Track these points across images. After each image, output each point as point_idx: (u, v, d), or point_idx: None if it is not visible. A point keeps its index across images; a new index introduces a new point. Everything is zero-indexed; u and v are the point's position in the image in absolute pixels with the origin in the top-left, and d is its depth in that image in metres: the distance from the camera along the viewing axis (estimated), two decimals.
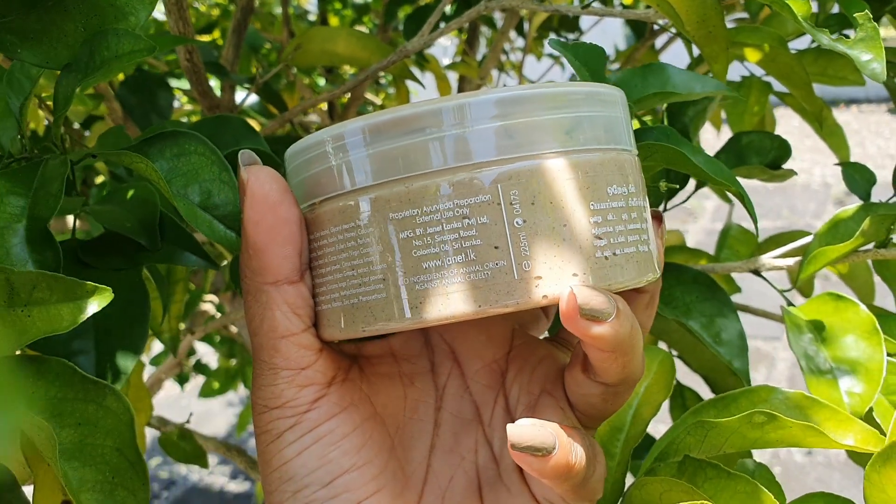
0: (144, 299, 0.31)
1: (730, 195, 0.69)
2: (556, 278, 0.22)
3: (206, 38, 0.96)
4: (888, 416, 0.33)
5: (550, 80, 0.43)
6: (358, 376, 0.27)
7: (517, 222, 0.22)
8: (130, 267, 0.31)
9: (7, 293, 0.23)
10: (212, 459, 1.96)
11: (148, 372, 1.13)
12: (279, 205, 0.24)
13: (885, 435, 0.30)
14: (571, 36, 0.93)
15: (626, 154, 0.24)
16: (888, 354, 0.34)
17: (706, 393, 0.46)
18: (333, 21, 1.04)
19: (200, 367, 1.22)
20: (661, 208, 0.44)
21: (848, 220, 0.40)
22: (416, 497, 0.26)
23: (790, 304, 0.40)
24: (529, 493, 0.26)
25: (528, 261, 0.22)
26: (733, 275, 0.54)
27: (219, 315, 0.90)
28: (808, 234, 0.46)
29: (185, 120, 0.80)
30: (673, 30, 0.57)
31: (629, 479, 0.41)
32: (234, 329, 0.90)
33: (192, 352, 1.13)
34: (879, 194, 0.47)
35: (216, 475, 1.97)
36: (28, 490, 0.30)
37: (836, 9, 0.47)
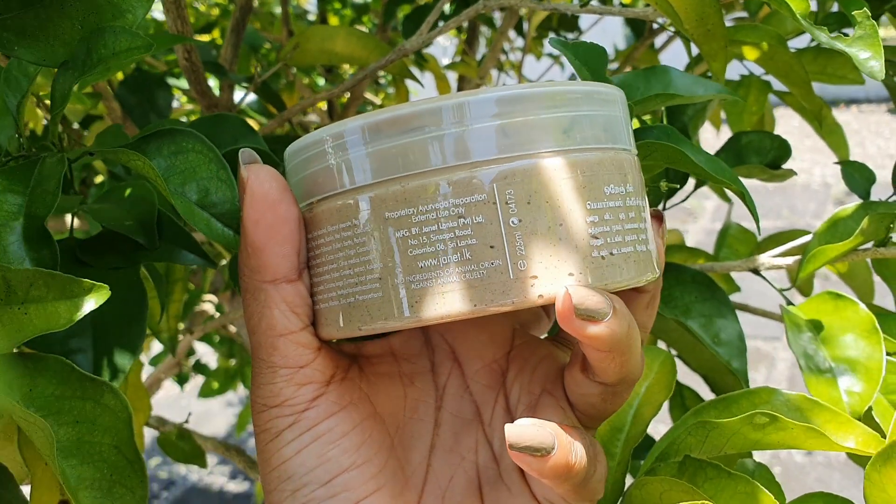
0: (142, 298, 0.31)
1: (729, 195, 0.69)
2: (552, 278, 0.22)
3: (205, 37, 0.96)
4: (888, 415, 0.33)
5: (550, 80, 0.43)
6: (357, 375, 0.27)
7: (513, 221, 0.22)
8: (128, 265, 0.31)
9: (4, 291, 0.23)
10: (211, 459, 1.96)
11: (147, 372, 1.12)
12: (279, 203, 0.24)
13: (884, 435, 0.30)
14: (571, 35, 0.93)
15: (625, 153, 0.24)
16: (887, 353, 0.34)
17: (706, 392, 0.46)
18: (333, 20, 1.04)
19: (200, 367, 1.22)
20: (660, 207, 0.44)
21: (847, 218, 0.39)
22: (416, 496, 0.26)
23: (789, 303, 0.40)
24: (530, 493, 0.26)
25: (524, 260, 0.22)
26: (733, 274, 0.54)
27: (218, 315, 0.89)
28: (807, 233, 0.46)
29: (184, 119, 0.80)
30: (672, 28, 0.57)
31: (629, 480, 0.41)
32: (233, 329, 0.90)
33: (191, 352, 1.13)
34: (879, 193, 0.46)
35: (216, 475, 1.97)
36: (26, 489, 0.30)
37: (835, 7, 0.47)
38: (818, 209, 3.10)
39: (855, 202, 0.41)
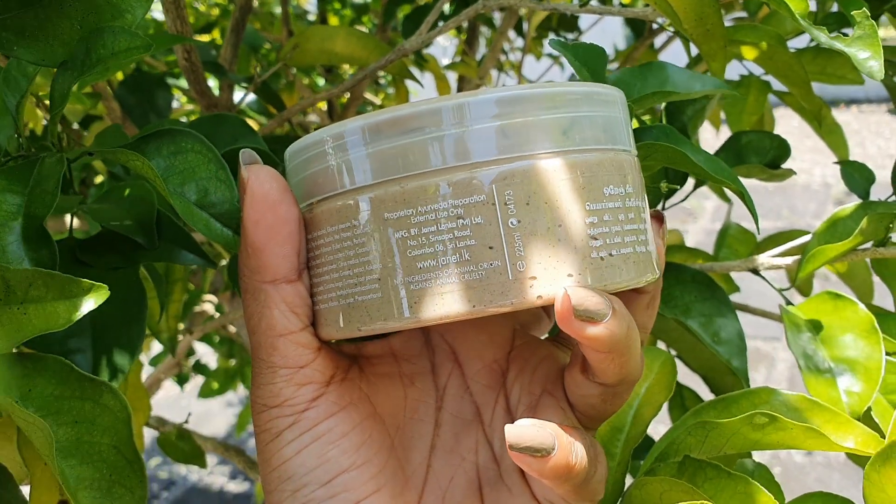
0: (142, 298, 0.31)
1: (729, 195, 0.69)
2: (551, 279, 0.22)
3: (205, 37, 0.96)
4: (887, 415, 0.33)
5: (550, 80, 0.43)
6: (357, 376, 0.27)
7: (512, 222, 0.22)
8: (127, 265, 0.31)
9: (3, 291, 0.23)
10: (211, 459, 1.96)
11: (147, 372, 1.12)
12: (279, 204, 0.24)
13: (883, 435, 0.30)
14: (571, 36, 0.93)
15: (625, 154, 0.24)
16: (887, 353, 0.34)
17: (705, 393, 0.46)
18: (333, 21, 1.04)
19: (200, 368, 1.22)
20: (659, 207, 0.44)
21: (846, 218, 0.39)
22: (416, 497, 0.26)
23: (789, 303, 0.40)
24: (530, 493, 0.26)
25: (523, 261, 0.22)
26: (732, 274, 0.54)
27: (218, 315, 0.89)
28: (806, 233, 0.46)
29: (184, 119, 0.80)
30: (671, 28, 0.57)
31: (629, 480, 0.41)
32: (232, 329, 0.90)
33: (191, 352, 1.13)
34: (879, 193, 0.46)
35: (216, 475, 1.97)
36: (25, 490, 0.30)
37: (835, 7, 0.47)
38: (818, 209, 3.10)
39: (855, 202, 0.41)
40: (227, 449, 0.64)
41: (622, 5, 0.89)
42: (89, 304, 0.23)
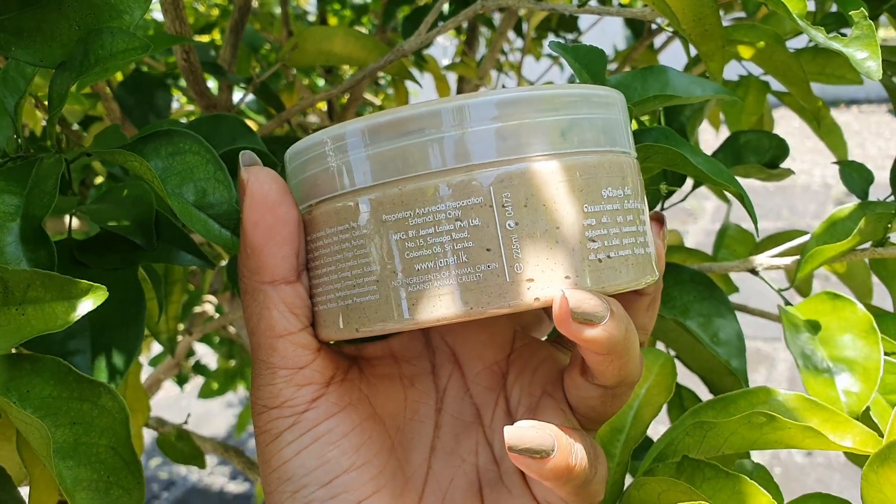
0: (140, 299, 0.31)
1: (728, 195, 0.69)
2: (549, 281, 0.22)
3: (205, 38, 0.96)
4: (885, 415, 0.33)
5: (549, 82, 0.42)
6: (357, 377, 0.27)
7: (509, 224, 0.22)
8: (126, 266, 0.31)
9: (1, 292, 0.23)
10: (211, 460, 1.96)
11: (147, 372, 1.12)
12: (278, 205, 0.24)
13: (882, 435, 0.30)
14: (570, 36, 0.93)
15: (624, 156, 0.24)
16: (885, 353, 0.34)
17: (704, 393, 0.46)
18: (332, 21, 1.04)
19: (199, 368, 1.22)
20: (658, 208, 0.44)
21: (845, 218, 0.40)
22: (416, 498, 0.26)
23: (788, 303, 0.40)
24: (531, 494, 0.26)
25: (520, 263, 0.22)
26: (731, 275, 0.54)
27: (217, 316, 0.89)
28: (805, 233, 0.46)
29: (183, 120, 0.80)
30: (671, 29, 0.57)
31: (628, 480, 0.41)
32: (232, 330, 0.90)
33: (191, 353, 1.13)
34: (878, 194, 0.46)
35: (216, 476, 1.97)
36: (24, 490, 0.30)
37: (834, 8, 0.47)
38: (818, 210, 3.10)
39: (854, 202, 0.41)
40: (227, 449, 0.64)
41: (621, 6, 0.89)
42: (88, 305, 0.23)
